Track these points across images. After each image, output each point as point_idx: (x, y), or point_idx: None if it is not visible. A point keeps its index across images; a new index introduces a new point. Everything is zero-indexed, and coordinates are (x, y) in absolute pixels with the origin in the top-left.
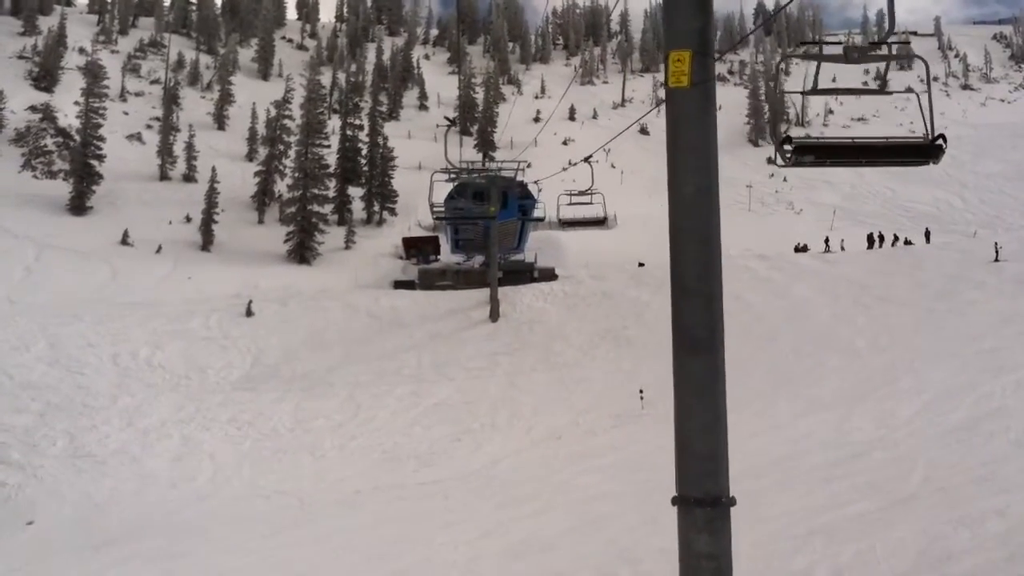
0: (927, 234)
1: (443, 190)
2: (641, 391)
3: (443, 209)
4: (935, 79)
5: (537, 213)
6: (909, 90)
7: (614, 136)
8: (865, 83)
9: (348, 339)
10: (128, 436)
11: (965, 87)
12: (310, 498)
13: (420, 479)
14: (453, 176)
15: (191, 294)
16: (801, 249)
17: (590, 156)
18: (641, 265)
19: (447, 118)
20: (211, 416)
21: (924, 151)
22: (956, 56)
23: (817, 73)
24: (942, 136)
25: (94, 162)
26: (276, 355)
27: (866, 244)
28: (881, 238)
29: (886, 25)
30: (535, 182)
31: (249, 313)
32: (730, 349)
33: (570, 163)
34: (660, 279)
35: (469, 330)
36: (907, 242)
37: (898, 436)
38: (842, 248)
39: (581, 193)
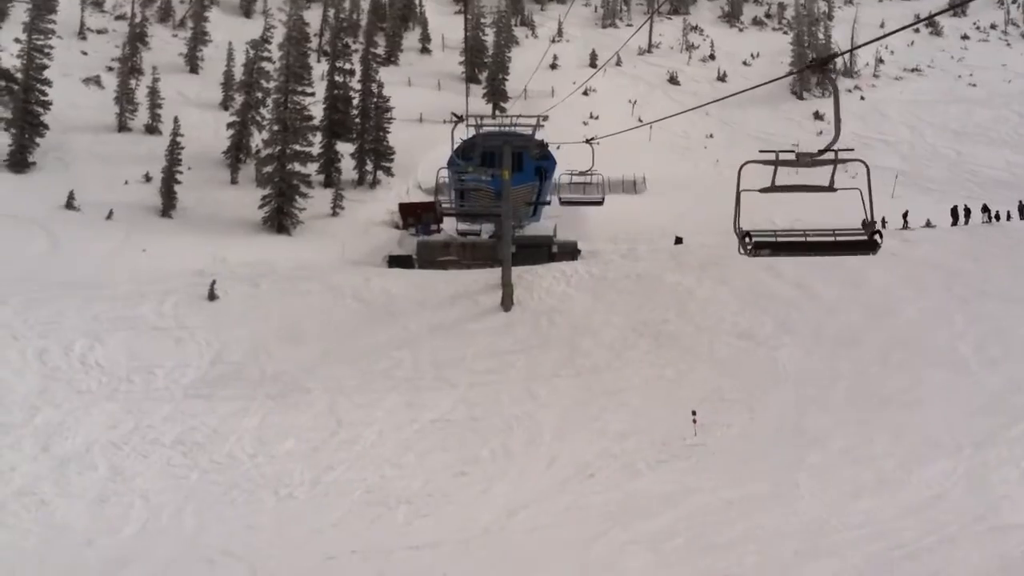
0: (1023, 208)
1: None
2: (694, 413)
3: (452, 207)
4: (992, 27)
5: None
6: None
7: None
8: (912, 41)
9: (330, 330)
10: (40, 468)
11: None
12: (266, 567)
13: (412, 539)
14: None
15: (144, 271)
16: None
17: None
18: (679, 241)
19: (454, 114)
20: (152, 436)
21: (864, 246)
22: (1014, 2)
23: (774, 177)
24: (879, 232)
25: (38, 109)
26: (242, 350)
27: (950, 219)
28: (967, 212)
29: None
30: (588, 140)
31: (212, 296)
32: (798, 354)
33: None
34: (703, 259)
35: (477, 321)
36: (997, 217)
37: None
38: (928, 225)
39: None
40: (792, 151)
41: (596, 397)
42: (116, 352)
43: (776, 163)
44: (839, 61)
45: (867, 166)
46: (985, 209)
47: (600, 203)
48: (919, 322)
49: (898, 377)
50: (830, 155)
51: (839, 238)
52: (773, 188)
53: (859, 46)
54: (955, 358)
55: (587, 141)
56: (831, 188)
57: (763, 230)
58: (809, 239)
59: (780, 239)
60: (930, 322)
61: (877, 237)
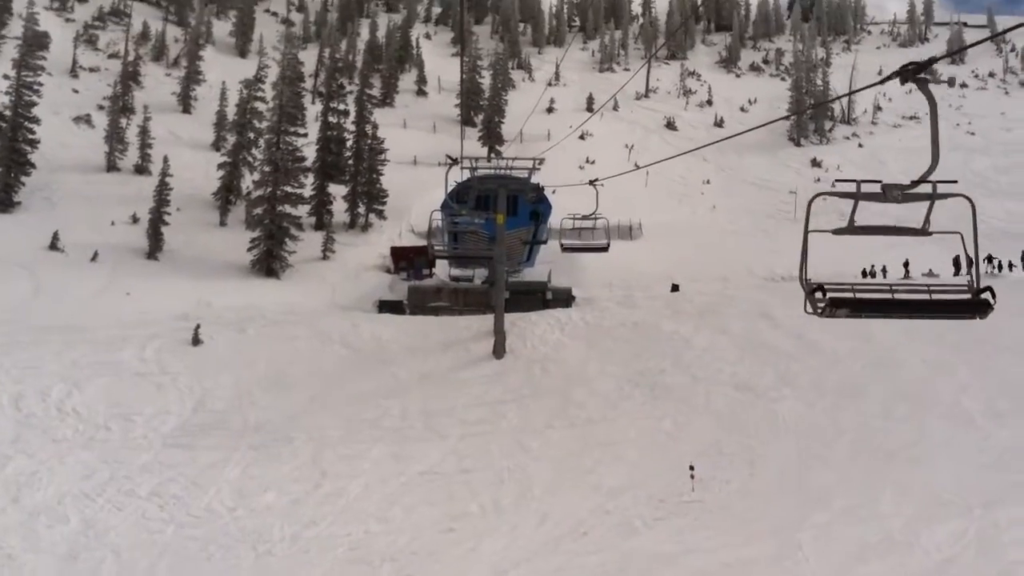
0: None
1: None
2: (692, 467)
3: (444, 250)
4: (991, 75)
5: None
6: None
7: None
8: (910, 89)
9: (317, 378)
10: (8, 521)
11: None
12: None
13: None
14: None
15: (128, 315)
16: (871, 274)
17: None
18: (675, 288)
19: (449, 156)
20: (128, 488)
21: (969, 307)
22: (1012, 51)
23: (854, 212)
24: (990, 289)
25: (25, 148)
26: (225, 398)
27: (953, 269)
28: (970, 261)
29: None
30: (592, 182)
31: (196, 341)
32: (799, 407)
33: None
34: (700, 307)
35: (468, 369)
36: (1000, 267)
37: None
38: (931, 274)
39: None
40: (877, 181)
41: (590, 450)
42: (94, 399)
43: (857, 196)
44: (836, 106)
45: (972, 204)
46: (989, 259)
47: (605, 249)
48: (922, 374)
49: (903, 431)
50: (926, 188)
51: (936, 296)
52: (851, 229)
53: (951, 53)
54: (960, 411)
55: (590, 183)
56: (925, 231)
57: (838, 283)
58: (898, 296)
59: (859, 295)
60: (933, 374)
61: (989, 297)
